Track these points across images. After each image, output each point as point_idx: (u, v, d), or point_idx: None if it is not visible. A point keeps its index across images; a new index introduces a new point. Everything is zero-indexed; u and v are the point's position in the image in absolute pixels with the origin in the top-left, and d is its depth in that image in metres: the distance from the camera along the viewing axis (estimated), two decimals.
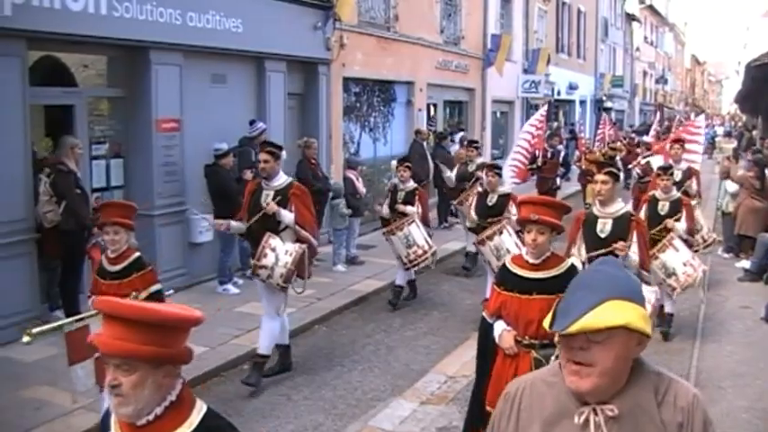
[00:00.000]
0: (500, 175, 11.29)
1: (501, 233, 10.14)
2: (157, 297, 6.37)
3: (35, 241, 9.38)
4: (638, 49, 54.81)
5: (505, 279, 5.47)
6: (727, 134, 50.63)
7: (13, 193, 9.08)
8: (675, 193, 10.31)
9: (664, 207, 10.03)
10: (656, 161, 14.78)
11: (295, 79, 14.83)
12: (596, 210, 7.76)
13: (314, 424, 7.34)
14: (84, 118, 10.56)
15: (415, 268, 11.40)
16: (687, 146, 16.20)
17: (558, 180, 18.88)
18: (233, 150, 11.84)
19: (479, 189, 11.92)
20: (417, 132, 18.04)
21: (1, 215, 8.97)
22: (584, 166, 20.61)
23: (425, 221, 11.65)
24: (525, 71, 29.06)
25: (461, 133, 21.06)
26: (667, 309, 9.99)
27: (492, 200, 11.02)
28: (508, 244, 9.99)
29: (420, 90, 20.36)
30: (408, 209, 11.34)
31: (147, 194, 11.12)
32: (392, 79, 19.09)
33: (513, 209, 10.48)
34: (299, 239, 8.13)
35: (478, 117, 25.13)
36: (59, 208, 9.20)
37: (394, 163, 12.51)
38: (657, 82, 65.44)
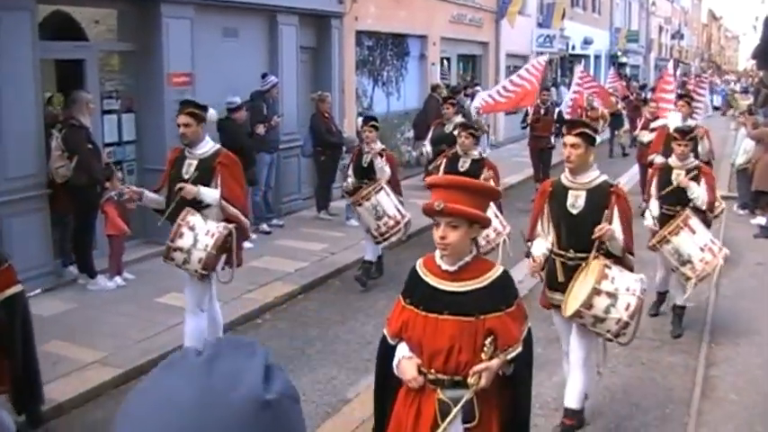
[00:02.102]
0: (475, 137, 9.76)
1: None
2: (10, 304, 5.54)
3: (47, 197, 9.35)
4: (653, 3, 54.11)
5: (412, 288, 4.02)
6: (744, 90, 50.08)
7: (24, 148, 9.04)
8: (693, 160, 8.75)
9: (679, 177, 8.47)
10: (674, 119, 14.27)
11: (307, 33, 14.69)
12: (566, 179, 5.94)
13: (327, 377, 7.36)
14: (96, 73, 10.48)
15: (386, 242, 10.03)
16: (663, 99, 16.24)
17: (552, 139, 16.46)
18: (245, 104, 11.76)
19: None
20: (434, 88, 17.90)
21: (13, 171, 8.94)
22: None
23: (396, 188, 10.20)
24: (540, 25, 28.77)
25: (477, 88, 20.89)
26: (678, 300, 8.63)
27: (464, 165, 9.51)
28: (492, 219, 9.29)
29: (433, 44, 20.22)
30: (380, 167, 10.00)
31: (159, 149, 11.07)
32: (405, 33, 18.96)
33: (488, 175, 9.29)
34: (226, 218, 6.91)
35: (492, 72, 24.94)
36: (71, 163, 9.15)
37: (348, 122, 12.14)
38: (673, 37, 64.72)
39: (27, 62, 9.01)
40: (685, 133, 8.73)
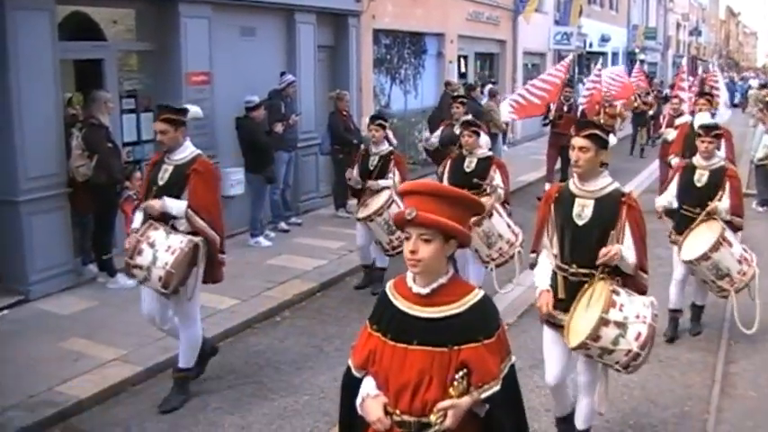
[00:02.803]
0: (479, 135, 8.97)
1: (490, 215, 8.45)
2: None
3: (67, 196, 9.41)
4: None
5: (381, 313, 3.49)
6: (762, 86, 49.78)
7: (45, 148, 9.09)
8: (718, 160, 8.01)
9: (702, 177, 7.86)
10: (702, 118, 13.86)
11: (325, 31, 14.73)
12: (573, 185, 5.32)
13: None
14: (114, 72, 10.54)
15: (398, 254, 8.98)
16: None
17: None
18: (263, 103, 11.80)
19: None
20: (447, 84, 17.91)
21: (33, 170, 9.00)
22: (603, 121, 18.84)
23: None
24: (557, 23, 28.71)
25: (490, 86, 20.85)
26: (698, 301, 8.53)
27: (470, 164, 8.81)
28: (499, 227, 8.55)
29: (451, 42, 20.23)
30: (382, 183, 9.38)
31: None
32: (422, 31, 18.98)
33: (496, 176, 8.71)
34: (194, 230, 6.42)
35: (509, 69, 24.93)
36: (91, 162, 9.21)
37: (365, 120, 11.70)
38: (691, 34, 64.45)
39: (47, 62, 9.06)
40: (710, 129, 8.04)
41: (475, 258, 8.76)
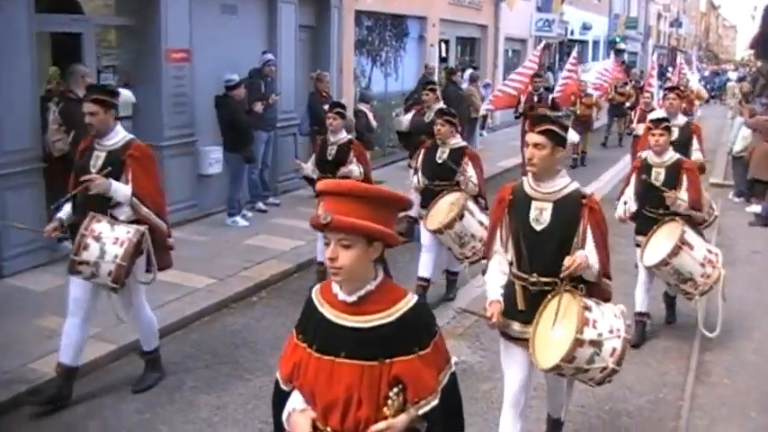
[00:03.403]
0: (452, 124, 8.56)
1: (462, 217, 8.04)
2: None
3: (42, 171, 9.29)
4: None
5: (307, 321, 3.18)
6: (741, 79, 50.09)
7: (20, 121, 8.96)
8: (672, 155, 7.61)
9: (659, 176, 7.51)
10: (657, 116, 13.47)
11: (306, 12, 14.63)
12: (528, 186, 4.82)
13: None
14: (93, 47, 10.41)
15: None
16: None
17: None
18: (244, 82, 11.72)
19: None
20: (425, 67, 17.91)
21: (8, 144, 8.88)
22: (579, 112, 19.22)
23: (368, 182, 8.51)
24: (539, 9, 28.68)
25: (471, 70, 20.82)
26: (671, 291, 8.21)
27: (443, 155, 8.45)
28: (471, 228, 8.13)
29: (433, 25, 20.18)
30: (347, 170, 8.80)
31: (156, 125, 11.04)
32: (405, 14, 18.91)
33: (469, 168, 8.37)
34: (138, 219, 6.10)
35: (491, 55, 24.92)
36: (68, 137, 9.10)
37: (344, 101, 11.32)
38: (672, 25, 64.67)
39: (23, 35, 8.92)
40: (660, 121, 7.62)
41: (450, 255, 8.67)
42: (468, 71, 20.43)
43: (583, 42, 36.75)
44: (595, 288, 4.81)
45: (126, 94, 6.81)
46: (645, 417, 6.35)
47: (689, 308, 8.64)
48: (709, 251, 7.46)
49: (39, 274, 8.98)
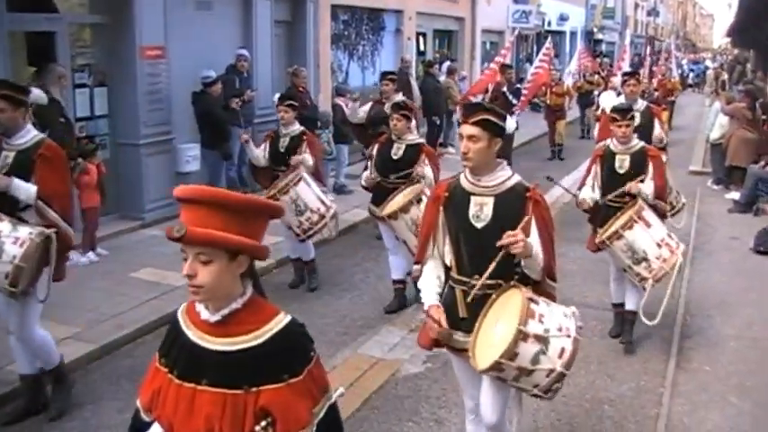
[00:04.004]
0: (408, 118, 8.26)
1: (419, 201, 7.69)
2: None
3: None
4: None
5: (171, 342, 2.81)
6: (719, 67, 50.42)
7: None
8: (637, 143, 7.31)
9: (623, 163, 7.22)
10: (608, 99, 12.84)
11: (282, 6, 14.57)
12: (466, 181, 4.42)
13: None
14: (67, 46, 10.32)
15: (312, 239, 8.96)
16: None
17: (514, 120, 14.37)
18: (220, 78, 11.67)
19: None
20: (402, 60, 17.90)
21: None
22: (549, 101, 19.25)
23: (318, 176, 8.94)
24: (515, 1, 28.70)
25: (448, 62, 20.80)
26: (629, 305, 7.50)
27: (398, 151, 8.18)
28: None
29: (409, 18, 20.14)
30: (300, 157, 8.61)
31: (132, 123, 10.98)
32: (381, 7, 18.88)
33: (426, 166, 8.08)
34: (46, 223, 5.66)
35: (468, 47, 24.90)
36: None
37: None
38: (649, 14, 64.87)
39: None
40: (625, 111, 7.27)
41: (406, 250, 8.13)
42: (446, 64, 20.41)
43: (560, 33, 36.81)
44: (540, 290, 4.37)
45: (37, 93, 6.58)
46: (626, 404, 6.37)
47: (671, 295, 8.70)
48: (669, 236, 7.10)
49: None
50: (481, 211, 4.30)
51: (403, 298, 8.59)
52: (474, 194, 4.34)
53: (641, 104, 9.57)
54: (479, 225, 4.29)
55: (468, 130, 4.25)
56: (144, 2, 10.91)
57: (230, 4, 13.21)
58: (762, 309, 8.55)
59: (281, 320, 2.71)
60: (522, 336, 3.95)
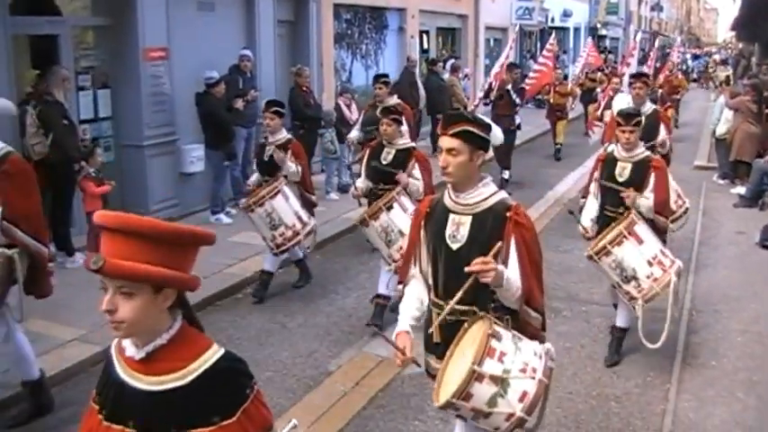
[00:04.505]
0: (399, 122, 7.85)
1: (390, 208, 7.46)
2: None
3: None
4: None
5: (105, 378, 2.64)
6: (723, 62, 50.37)
7: None
8: (642, 151, 6.96)
9: (624, 171, 6.86)
10: (621, 102, 11.90)
11: (284, 6, 14.57)
12: (448, 198, 4.08)
13: (309, 350, 7.33)
14: (70, 48, 10.33)
15: (284, 255, 8.75)
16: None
17: (516, 118, 14.69)
18: (223, 79, 11.68)
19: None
20: (407, 59, 17.89)
21: None
22: (552, 100, 18.81)
23: (305, 185, 8.71)
24: None
25: (452, 60, 20.76)
26: (619, 322, 7.22)
27: (387, 156, 7.77)
28: (399, 223, 7.37)
29: (412, 16, 20.12)
30: (279, 156, 8.36)
31: (135, 125, 10.99)
32: (383, 6, 18.86)
33: (416, 171, 7.70)
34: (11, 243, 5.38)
35: (471, 44, 24.86)
36: (47, 140, 9.03)
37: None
38: (653, 9, 64.73)
39: None
40: (631, 117, 6.88)
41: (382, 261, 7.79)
42: (450, 61, 20.39)
43: (564, 29, 36.75)
44: (522, 322, 3.99)
45: (3, 104, 6.50)
46: (632, 401, 6.36)
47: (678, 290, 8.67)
48: (664, 254, 6.64)
49: None
50: (458, 230, 3.98)
51: (380, 317, 7.98)
52: (453, 212, 4.01)
53: (649, 107, 9.44)
54: (455, 246, 3.97)
55: (447, 142, 3.89)
56: (146, 3, 10.92)
57: (233, 5, 13.21)
58: None
59: (211, 357, 2.49)
60: (475, 376, 3.59)
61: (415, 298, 4.25)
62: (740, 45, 55.98)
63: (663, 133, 9.36)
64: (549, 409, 6.11)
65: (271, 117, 8.54)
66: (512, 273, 3.80)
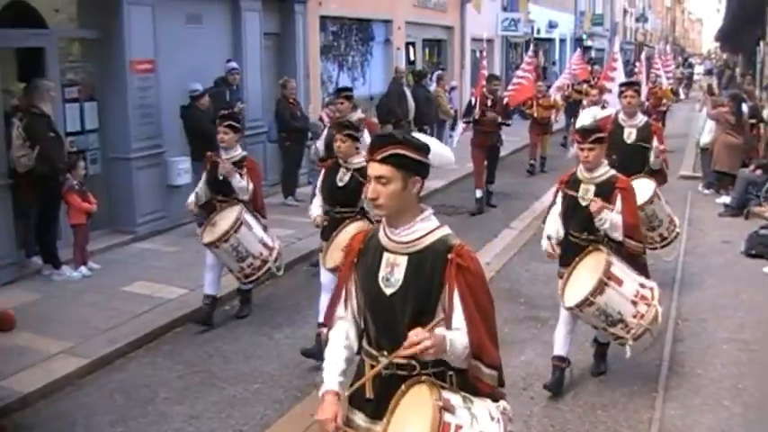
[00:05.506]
0: (355, 139, 7.23)
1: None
2: None
3: (9, 187, 9.19)
4: None
5: None
6: (708, 72, 50.67)
7: None
8: (606, 170, 6.35)
9: (587, 194, 6.27)
10: (587, 115, 12.21)
11: (271, 19, 14.61)
12: (383, 233, 3.42)
13: (295, 362, 7.30)
14: (56, 60, 10.32)
15: (252, 285, 8.53)
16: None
17: (501, 135, 14.18)
18: (208, 91, 11.69)
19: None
20: (395, 70, 17.94)
21: None
22: (536, 114, 18.05)
23: (259, 208, 8.24)
24: (504, 9, 28.78)
25: (438, 72, 20.82)
26: (600, 339, 6.96)
27: (343, 177, 7.19)
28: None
29: (398, 28, 20.20)
30: (226, 167, 7.88)
31: (122, 137, 10.98)
32: (370, 17, 18.94)
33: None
34: None
35: (457, 56, 24.98)
36: (33, 152, 9.02)
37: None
38: (638, 20, 65.09)
39: None
40: (589, 133, 6.29)
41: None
42: (436, 72, 20.45)
43: (549, 41, 36.92)
44: (472, 378, 3.35)
45: None
46: (619, 409, 6.37)
47: (663, 298, 8.70)
48: (642, 285, 6.26)
49: (8, 290, 8.88)
50: (392, 273, 3.34)
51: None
52: (387, 251, 3.39)
53: (640, 119, 8.91)
54: (388, 291, 3.33)
55: (375, 169, 3.28)
56: (133, 16, 10.93)
57: (219, 18, 13.24)
58: (753, 312, 8.57)
59: None
60: None
61: (341, 347, 3.57)
62: (725, 55, 56.37)
63: (658, 150, 8.81)
64: (537, 418, 6.17)
65: (225, 131, 7.96)
66: (455, 333, 3.21)
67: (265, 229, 8.20)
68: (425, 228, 3.35)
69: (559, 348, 6.64)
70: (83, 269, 9.52)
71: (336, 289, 3.65)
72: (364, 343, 3.52)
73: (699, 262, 10.49)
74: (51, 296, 8.80)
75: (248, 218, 7.89)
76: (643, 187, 8.19)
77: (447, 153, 3.63)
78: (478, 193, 13.86)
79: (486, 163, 14.09)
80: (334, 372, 3.49)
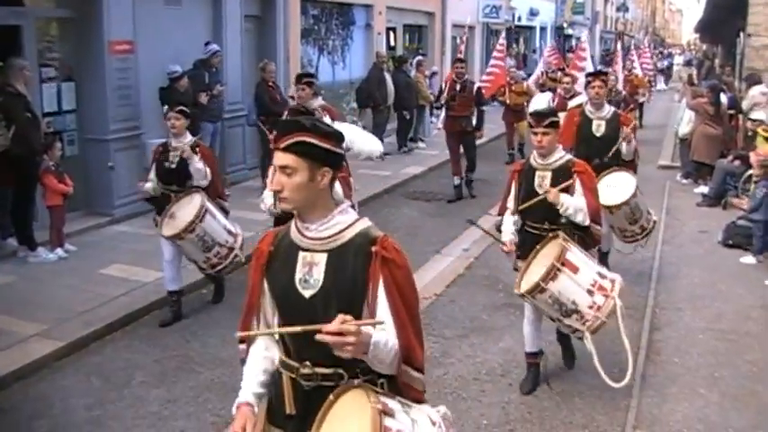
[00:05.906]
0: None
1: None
2: None
3: None
4: None
5: None
6: (687, 63, 50.84)
7: None
8: (561, 155, 6.18)
9: (543, 182, 6.08)
10: (538, 101, 12.80)
11: (251, 1, 14.52)
12: (295, 231, 3.14)
13: None
14: (33, 40, 10.19)
15: (221, 273, 8.21)
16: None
17: (473, 119, 13.78)
18: (187, 73, 11.60)
19: None
20: (376, 55, 17.89)
21: None
22: (509, 101, 17.61)
23: (218, 193, 8.09)
24: None
25: (418, 57, 20.76)
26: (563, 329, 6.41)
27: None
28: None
29: (379, 13, 20.13)
30: (195, 167, 7.63)
31: (100, 119, 10.88)
32: (351, 2, 18.87)
33: (338, 187, 5.71)
34: None
35: (438, 42, 24.92)
36: (9, 132, 8.91)
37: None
38: (618, 10, 65.20)
39: None
40: (542, 117, 6.02)
41: None
42: (417, 58, 20.40)
43: (530, 28, 36.96)
44: (402, 384, 3.08)
45: None
46: (596, 396, 6.38)
47: (640, 287, 8.74)
48: (602, 275, 5.92)
49: None
50: (310, 273, 3.05)
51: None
52: (302, 249, 3.09)
53: (608, 110, 8.59)
54: (307, 293, 3.04)
55: (279, 158, 3.00)
56: None
57: (199, 0, 13.13)
58: (730, 302, 8.62)
59: None
60: None
61: (261, 357, 3.31)
62: (704, 47, 56.60)
63: (633, 144, 8.58)
64: (514, 405, 6.18)
65: (176, 117, 7.65)
66: (380, 334, 2.89)
67: (227, 215, 8.04)
68: (345, 221, 3.10)
69: (530, 345, 6.48)
70: (59, 251, 9.44)
71: (249, 300, 3.31)
72: (281, 354, 3.20)
73: (676, 251, 10.53)
74: (27, 278, 8.72)
75: (210, 206, 7.66)
76: (626, 182, 8.20)
77: (371, 141, 3.44)
78: (456, 180, 13.80)
79: (462, 150, 13.98)
80: (251, 383, 3.27)
